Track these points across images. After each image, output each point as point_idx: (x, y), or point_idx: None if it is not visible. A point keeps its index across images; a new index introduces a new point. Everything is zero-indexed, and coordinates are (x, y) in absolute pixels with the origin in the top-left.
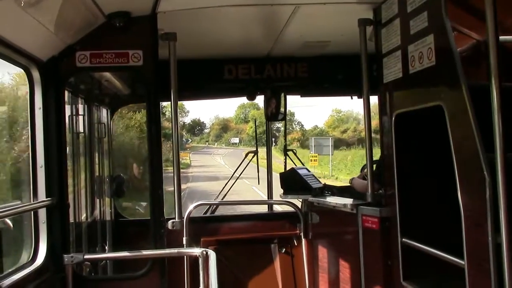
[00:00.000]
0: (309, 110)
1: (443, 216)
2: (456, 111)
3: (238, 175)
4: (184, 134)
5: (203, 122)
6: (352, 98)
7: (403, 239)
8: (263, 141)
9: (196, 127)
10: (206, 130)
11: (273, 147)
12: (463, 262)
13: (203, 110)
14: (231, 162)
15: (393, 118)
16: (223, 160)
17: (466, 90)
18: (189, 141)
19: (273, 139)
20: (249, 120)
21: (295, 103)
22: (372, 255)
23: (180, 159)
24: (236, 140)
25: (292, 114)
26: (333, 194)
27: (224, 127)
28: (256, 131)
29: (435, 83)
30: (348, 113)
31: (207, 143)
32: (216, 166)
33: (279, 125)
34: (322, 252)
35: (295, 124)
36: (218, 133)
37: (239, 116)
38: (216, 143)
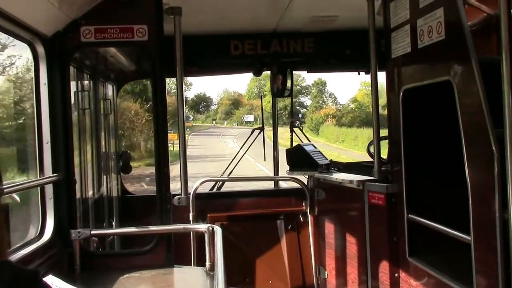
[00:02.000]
0: (335, 81)
1: (450, 193)
2: (465, 86)
3: (244, 152)
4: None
5: (209, 97)
6: (359, 73)
7: (410, 215)
8: (284, 119)
9: (201, 104)
10: (213, 107)
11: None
12: (469, 238)
13: (209, 83)
14: (254, 151)
15: (401, 94)
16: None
17: (476, 64)
18: (190, 119)
19: (300, 115)
20: (265, 94)
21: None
22: (378, 231)
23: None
24: (251, 118)
25: (323, 84)
26: (339, 171)
27: (235, 103)
28: (262, 107)
29: (444, 58)
30: (381, 87)
31: (214, 121)
32: (229, 157)
33: (304, 98)
34: (328, 228)
35: (326, 97)
36: (228, 110)
37: (252, 90)
38: (225, 122)
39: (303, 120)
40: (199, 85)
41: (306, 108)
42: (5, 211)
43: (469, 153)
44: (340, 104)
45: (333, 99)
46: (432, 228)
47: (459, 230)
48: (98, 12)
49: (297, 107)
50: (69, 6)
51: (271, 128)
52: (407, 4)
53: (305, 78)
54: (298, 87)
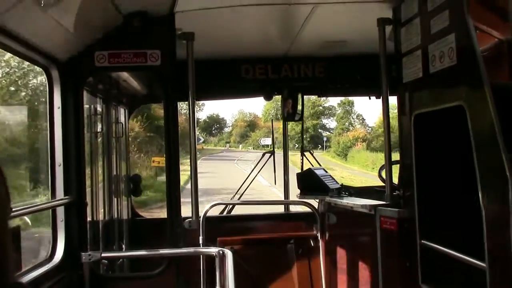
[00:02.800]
0: (362, 102)
1: (464, 218)
2: (477, 111)
3: (254, 175)
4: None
5: (222, 118)
6: (370, 98)
7: (422, 241)
8: (305, 143)
9: (214, 125)
10: (227, 129)
11: (326, 151)
12: (484, 265)
13: (223, 104)
14: (270, 174)
15: (413, 118)
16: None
17: (489, 89)
18: (201, 141)
19: (324, 139)
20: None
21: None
22: (390, 256)
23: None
24: (268, 141)
25: (351, 104)
26: (350, 195)
27: (250, 125)
28: (273, 131)
29: (457, 83)
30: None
31: (227, 145)
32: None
33: (327, 120)
34: (340, 254)
35: (353, 118)
36: (243, 132)
37: (269, 111)
38: (240, 145)
39: (328, 144)
40: (212, 106)
41: (330, 131)
42: (15, 232)
43: (482, 179)
44: (369, 127)
45: (361, 121)
46: (446, 254)
47: (474, 256)
48: (112, 38)
49: (319, 130)
50: (84, 31)
51: (295, 153)
52: (418, 29)
53: (329, 98)
54: (320, 107)
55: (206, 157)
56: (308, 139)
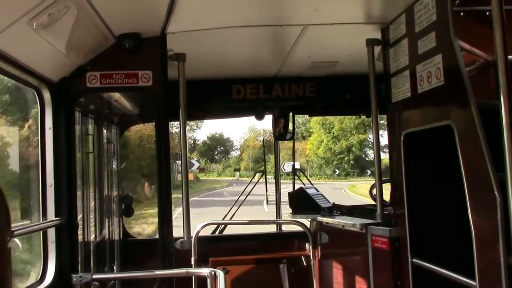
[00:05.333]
0: None
1: (454, 236)
2: (465, 130)
3: (245, 196)
4: (193, 157)
5: (227, 138)
6: (360, 117)
7: (414, 260)
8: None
9: (216, 148)
10: (234, 153)
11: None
12: (474, 283)
13: (227, 120)
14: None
15: (402, 138)
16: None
17: (475, 109)
18: (195, 166)
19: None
20: (309, 134)
21: None
22: (382, 275)
23: None
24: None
25: None
26: (342, 214)
27: (267, 145)
28: (264, 151)
29: (444, 103)
30: None
31: (237, 173)
32: None
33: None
34: (332, 272)
35: None
36: (257, 156)
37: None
38: (257, 174)
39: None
40: (213, 123)
41: (384, 150)
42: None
43: (471, 197)
44: None
45: None
46: (437, 273)
47: (464, 274)
48: (104, 58)
49: (368, 148)
50: (76, 52)
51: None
52: (406, 50)
53: None
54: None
55: (201, 197)
56: (352, 161)
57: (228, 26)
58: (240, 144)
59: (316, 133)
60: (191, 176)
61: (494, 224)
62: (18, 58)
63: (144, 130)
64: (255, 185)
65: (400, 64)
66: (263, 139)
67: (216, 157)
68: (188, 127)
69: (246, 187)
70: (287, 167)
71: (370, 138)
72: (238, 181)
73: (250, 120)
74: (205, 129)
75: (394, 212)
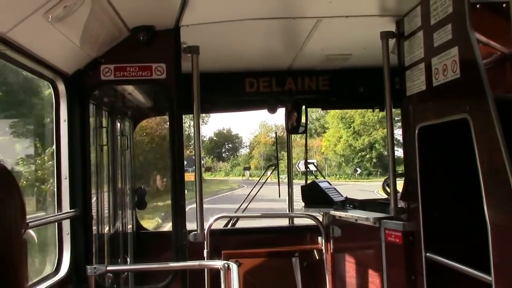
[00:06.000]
0: None
1: (469, 231)
2: (481, 123)
3: (258, 189)
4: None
5: (236, 135)
6: (373, 111)
7: (428, 254)
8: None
9: (224, 145)
10: (243, 150)
11: None
12: (490, 278)
13: (235, 115)
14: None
15: (417, 131)
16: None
17: (492, 102)
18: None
19: None
20: (323, 130)
21: None
22: (395, 269)
23: None
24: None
25: None
26: (354, 208)
27: (280, 142)
28: (277, 145)
29: (460, 96)
30: None
31: (247, 172)
32: None
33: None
34: (344, 266)
35: None
36: (269, 153)
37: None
38: (269, 173)
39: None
40: (220, 118)
41: None
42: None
43: (487, 192)
44: None
45: None
46: (451, 267)
47: (479, 269)
48: (118, 51)
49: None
50: (90, 45)
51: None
52: (421, 43)
53: None
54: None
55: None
56: (374, 160)
57: (242, 18)
58: (250, 140)
59: (333, 128)
60: (191, 177)
61: (510, 219)
62: (34, 51)
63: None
64: (267, 179)
65: (415, 57)
66: (276, 133)
67: (223, 154)
68: (193, 122)
69: (258, 181)
70: (302, 165)
71: (396, 134)
72: (249, 182)
73: (261, 115)
74: (212, 125)
75: (408, 206)
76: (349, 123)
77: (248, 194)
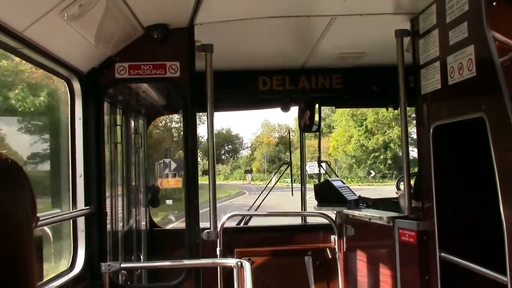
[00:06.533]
0: None
1: (484, 230)
2: (498, 122)
3: (272, 186)
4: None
5: (236, 135)
6: (387, 109)
7: (442, 254)
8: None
9: (224, 146)
10: (245, 152)
11: None
12: (505, 279)
13: (235, 113)
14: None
15: (431, 130)
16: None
17: (509, 101)
18: (173, 168)
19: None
20: (329, 130)
21: None
22: (409, 269)
23: None
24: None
25: None
26: (368, 207)
27: (284, 142)
28: (290, 142)
29: (476, 95)
30: None
31: (248, 176)
32: None
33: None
34: (357, 265)
35: None
36: (273, 154)
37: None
38: (274, 176)
39: None
40: (220, 117)
41: None
42: (37, 243)
43: (503, 191)
44: None
45: None
46: (466, 267)
47: (494, 269)
48: (132, 49)
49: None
50: (105, 43)
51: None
52: (437, 41)
53: None
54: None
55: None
56: (389, 161)
57: (256, 17)
58: (251, 141)
59: (341, 127)
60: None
61: None
62: (49, 49)
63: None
64: (280, 176)
65: (430, 55)
66: (289, 130)
67: (223, 156)
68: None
69: (271, 179)
70: (310, 168)
71: (412, 132)
72: (251, 188)
73: (263, 114)
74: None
75: (422, 205)
76: (360, 121)
77: (261, 193)
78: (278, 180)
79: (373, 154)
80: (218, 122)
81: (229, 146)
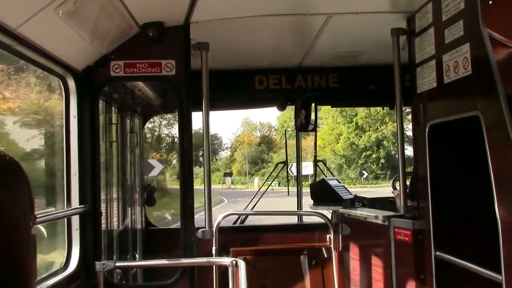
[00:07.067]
0: None
1: (479, 229)
2: (493, 121)
3: (267, 187)
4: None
5: (214, 135)
6: (383, 108)
7: (437, 252)
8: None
9: (201, 147)
10: (224, 153)
11: None
12: (500, 277)
13: (212, 114)
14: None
15: (427, 129)
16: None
17: (504, 99)
18: (159, 170)
19: None
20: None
21: None
22: (404, 268)
23: None
24: (308, 168)
25: None
26: (364, 206)
27: (266, 141)
28: (286, 142)
29: (471, 93)
30: None
31: (228, 179)
32: None
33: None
34: (353, 265)
35: None
36: (255, 154)
37: (287, 123)
38: (256, 180)
39: None
40: (195, 116)
41: None
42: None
43: (498, 190)
44: None
45: None
46: (461, 266)
47: (490, 268)
48: (128, 47)
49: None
50: (100, 41)
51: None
52: (432, 39)
53: None
54: None
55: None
56: (382, 160)
57: (252, 15)
58: (231, 141)
59: (328, 125)
60: None
61: None
62: (44, 46)
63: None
64: (276, 177)
65: (426, 54)
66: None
67: (200, 158)
68: (165, 121)
69: (266, 179)
70: (295, 169)
71: (407, 129)
72: (230, 193)
73: (243, 112)
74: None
75: (417, 204)
76: (350, 117)
77: (256, 192)
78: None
79: (364, 153)
80: (194, 122)
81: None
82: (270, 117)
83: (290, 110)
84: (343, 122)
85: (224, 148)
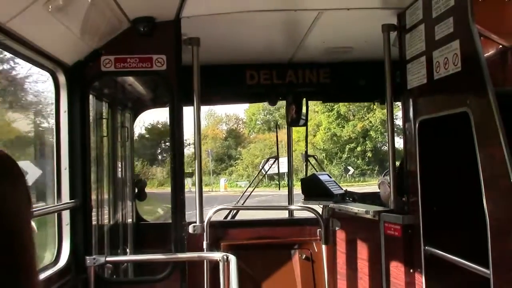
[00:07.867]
0: None
1: (468, 225)
2: (482, 117)
3: (258, 181)
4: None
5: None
6: (374, 104)
7: (426, 247)
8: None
9: (160, 143)
10: (185, 150)
11: None
12: (488, 272)
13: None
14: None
15: (417, 125)
16: None
17: (493, 96)
18: None
19: None
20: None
21: None
22: (394, 262)
23: None
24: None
25: None
26: (354, 201)
27: (234, 136)
28: (277, 137)
29: (461, 89)
30: None
31: (188, 182)
32: None
33: None
34: (343, 259)
35: None
36: (221, 151)
37: (255, 116)
38: (223, 180)
39: None
40: (153, 111)
41: None
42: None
43: (487, 185)
44: None
45: None
46: (450, 261)
47: (478, 262)
48: (118, 42)
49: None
50: (91, 36)
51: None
52: (423, 36)
53: None
54: None
55: None
56: (369, 154)
57: (243, 10)
58: (192, 136)
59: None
60: None
61: (509, 212)
62: (34, 41)
63: None
64: (268, 170)
65: (416, 50)
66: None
67: (159, 156)
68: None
69: (258, 174)
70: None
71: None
72: (190, 198)
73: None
74: (142, 117)
75: (407, 199)
76: (330, 105)
77: (247, 187)
78: (264, 175)
79: (348, 146)
80: (151, 115)
81: (166, 144)
82: (237, 109)
83: (255, 104)
84: (322, 110)
85: (185, 144)
